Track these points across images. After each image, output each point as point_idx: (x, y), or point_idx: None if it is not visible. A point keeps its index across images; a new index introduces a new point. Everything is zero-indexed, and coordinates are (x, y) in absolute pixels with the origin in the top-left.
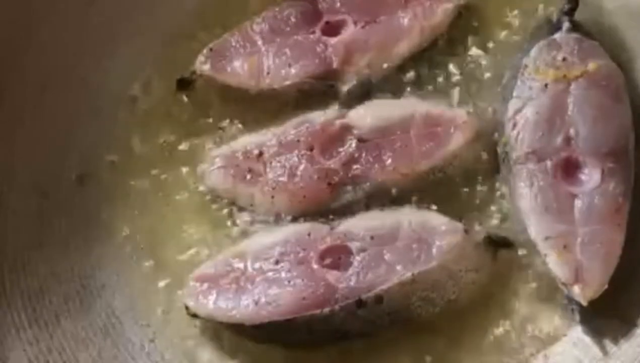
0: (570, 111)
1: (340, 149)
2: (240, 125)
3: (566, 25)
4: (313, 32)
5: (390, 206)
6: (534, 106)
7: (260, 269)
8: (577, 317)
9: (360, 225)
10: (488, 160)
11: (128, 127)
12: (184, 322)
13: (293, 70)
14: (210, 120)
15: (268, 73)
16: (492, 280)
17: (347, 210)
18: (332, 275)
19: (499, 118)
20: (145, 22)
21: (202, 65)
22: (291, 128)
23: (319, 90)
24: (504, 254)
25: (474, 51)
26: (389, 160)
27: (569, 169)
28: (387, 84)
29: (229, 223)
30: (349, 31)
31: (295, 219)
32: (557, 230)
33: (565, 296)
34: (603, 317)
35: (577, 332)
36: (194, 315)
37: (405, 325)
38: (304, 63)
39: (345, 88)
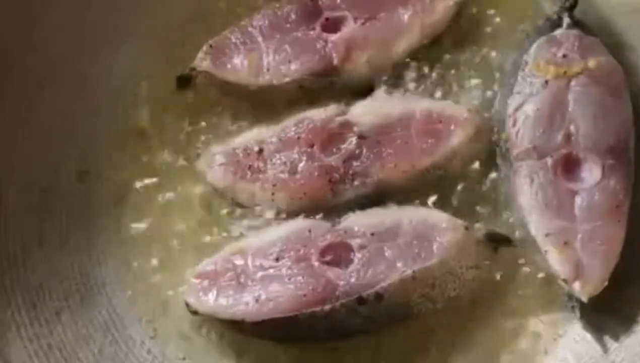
0: (571, 108)
1: (341, 146)
2: (240, 122)
3: (566, 21)
4: (313, 29)
5: (390, 203)
6: (534, 103)
7: (260, 266)
8: (578, 314)
9: (361, 222)
10: (488, 157)
11: (127, 124)
12: (185, 319)
13: (293, 67)
14: (210, 117)
15: (268, 70)
16: (492, 277)
17: (348, 207)
18: (332, 272)
19: (499, 115)
20: (145, 19)
21: (202, 61)
22: (291, 125)
23: (319, 87)
24: (504, 251)
25: (474, 48)
26: (390, 157)
27: (569, 165)
28: (388, 81)
29: (229, 220)
30: (349, 28)
31: (295, 216)
32: (557, 226)
33: (566, 293)
34: (603, 313)
35: (578, 329)
36: (195, 312)
37: (406, 322)
38: (304, 59)
39: (345, 85)
